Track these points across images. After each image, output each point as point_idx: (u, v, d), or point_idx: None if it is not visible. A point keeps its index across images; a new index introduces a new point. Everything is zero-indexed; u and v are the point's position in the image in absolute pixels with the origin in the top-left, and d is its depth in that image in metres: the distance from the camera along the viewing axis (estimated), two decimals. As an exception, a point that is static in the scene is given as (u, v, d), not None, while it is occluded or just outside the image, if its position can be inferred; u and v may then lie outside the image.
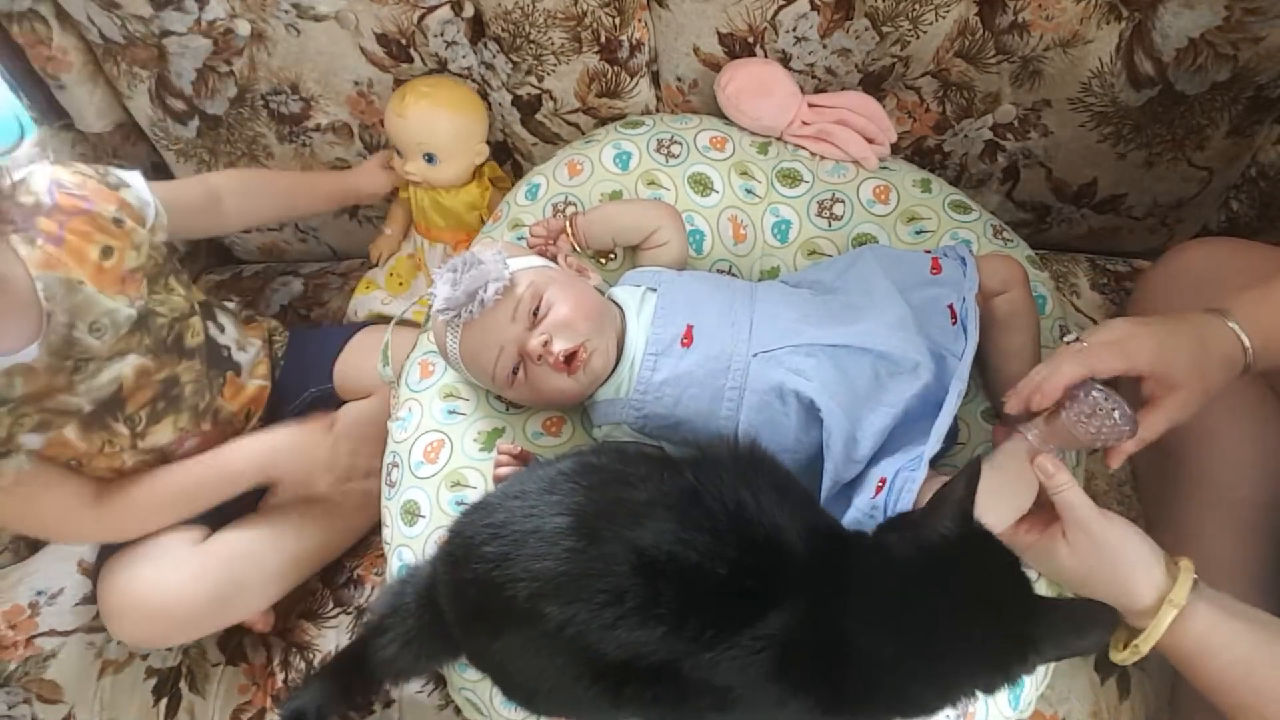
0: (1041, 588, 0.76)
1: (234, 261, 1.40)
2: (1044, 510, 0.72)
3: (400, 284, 1.22)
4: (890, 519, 0.65)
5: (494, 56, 1.08)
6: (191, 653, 0.96)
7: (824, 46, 1.03)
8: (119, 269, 0.86)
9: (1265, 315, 0.73)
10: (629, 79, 1.08)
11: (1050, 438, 0.72)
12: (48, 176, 0.84)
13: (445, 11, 1.05)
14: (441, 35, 1.07)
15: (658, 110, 1.12)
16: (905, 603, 0.59)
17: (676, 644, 0.59)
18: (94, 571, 0.96)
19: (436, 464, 0.84)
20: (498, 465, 0.80)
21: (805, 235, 0.99)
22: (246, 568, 0.91)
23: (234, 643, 0.97)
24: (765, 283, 0.92)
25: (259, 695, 0.95)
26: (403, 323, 1.06)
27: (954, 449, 0.85)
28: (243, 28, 1.08)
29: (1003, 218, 1.02)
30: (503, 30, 1.05)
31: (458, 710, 0.83)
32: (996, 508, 0.69)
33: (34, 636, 0.95)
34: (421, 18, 1.06)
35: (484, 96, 1.13)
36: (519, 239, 0.96)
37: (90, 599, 0.98)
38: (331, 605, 0.98)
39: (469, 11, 1.05)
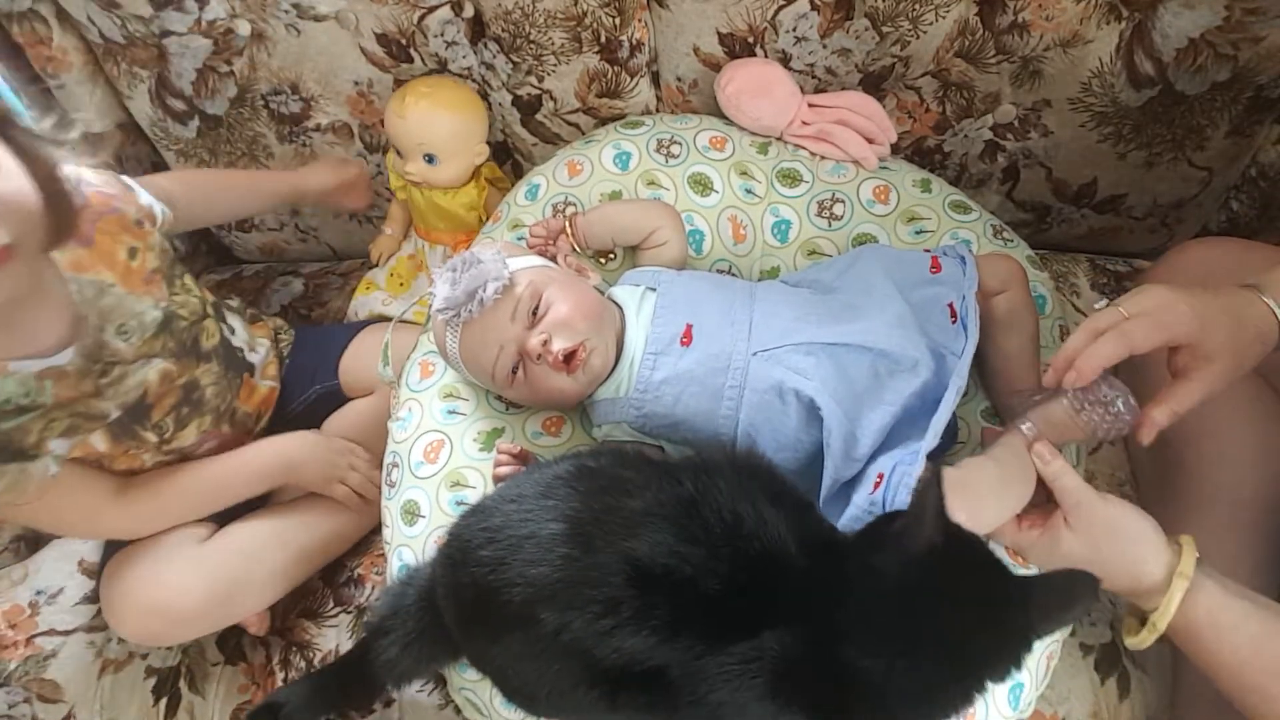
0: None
1: (234, 261, 1.40)
2: (1043, 506, 0.72)
3: (401, 284, 1.22)
4: (871, 530, 0.64)
5: (494, 56, 1.08)
6: (191, 652, 0.96)
7: (824, 46, 1.03)
8: (143, 270, 0.87)
9: None
10: (629, 79, 1.08)
11: (1048, 431, 0.71)
12: (74, 175, 0.83)
13: (445, 11, 1.05)
14: (441, 35, 1.07)
15: (658, 110, 1.12)
16: (904, 617, 0.58)
17: (669, 654, 0.59)
18: (98, 569, 0.96)
19: (436, 464, 0.84)
20: (497, 465, 0.80)
21: (805, 235, 0.99)
22: (251, 566, 0.91)
23: (233, 642, 0.97)
24: (765, 282, 0.92)
25: (259, 694, 0.95)
26: (403, 323, 1.07)
27: (954, 447, 0.85)
28: (243, 28, 1.08)
29: (1003, 218, 1.02)
30: (503, 30, 1.05)
31: (458, 710, 0.83)
32: (998, 502, 0.69)
33: (34, 636, 0.95)
34: (421, 18, 1.06)
35: (484, 97, 1.13)
36: (519, 239, 0.96)
37: (90, 598, 0.98)
38: (332, 604, 0.98)
39: (469, 11, 1.05)
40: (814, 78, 1.06)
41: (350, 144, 1.21)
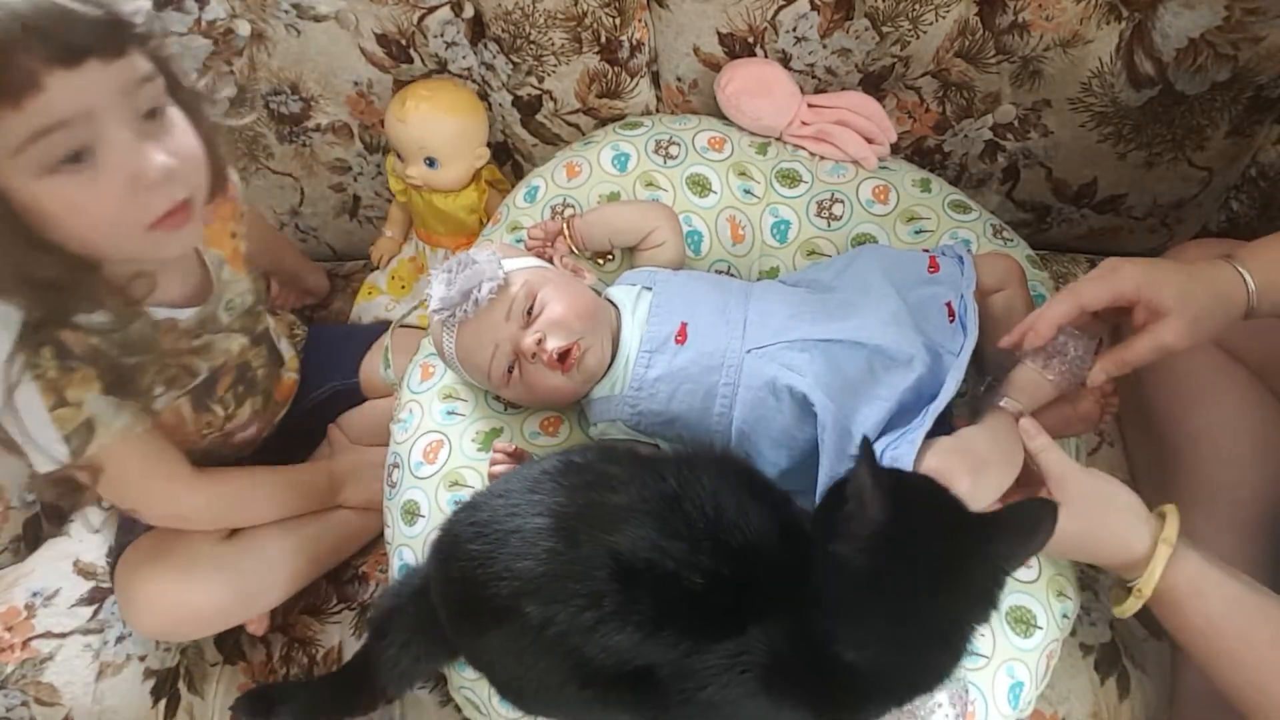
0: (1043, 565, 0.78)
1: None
2: (1029, 487, 0.73)
3: (402, 287, 1.22)
4: (824, 516, 0.64)
5: (494, 57, 1.08)
6: (189, 652, 0.96)
7: (824, 46, 1.03)
8: (242, 251, 0.90)
9: (1272, 258, 0.73)
10: (629, 79, 1.08)
11: (1025, 398, 0.74)
12: None
13: (445, 12, 1.05)
14: (441, 36, 1.07)
15: (658, 110, 1.12)
16: (876, 598, 0.59)
17: (654, 651, 0.59)
18: (109, 566, 0.96)
19: (435, 464, 0.84)
20: (493, 464, 0.80)
21: (804, 235, 0.99)
22: (270, 566, 0.91)
23: (231, 641, 0.97)
24: (761, 282, 0.92)
25: (258, 694, 0.95)
26: (405, 326, 1.07)
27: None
28: (243, 28, 1.08)
29: (1003, 218, 1.02)
30: (503, 31, 1.05)
31: (457, 709, 0.83)
32: (998, 466, 0.70)
33: (30, 639, 0.95)
34: (421, 18, 1.06)
35: (484, 97, 1.13)
36: (518, 241, 0.96)
37: (87, 600, 0.98)
38: (335, 601, 0.98)
39: (469, 12, 1.05)
40: (814, 78, 1.06)
41: (350, 144, 1.21)
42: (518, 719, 0.75)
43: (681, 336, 0.81)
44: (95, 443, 0.75)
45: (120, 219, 0.66)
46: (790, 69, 1.05)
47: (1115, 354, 0.72)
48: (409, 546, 0.82)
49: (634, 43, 1.05)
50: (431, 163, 1.10)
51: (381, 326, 1.14)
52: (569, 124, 1.13)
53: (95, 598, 0.97)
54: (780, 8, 1.00)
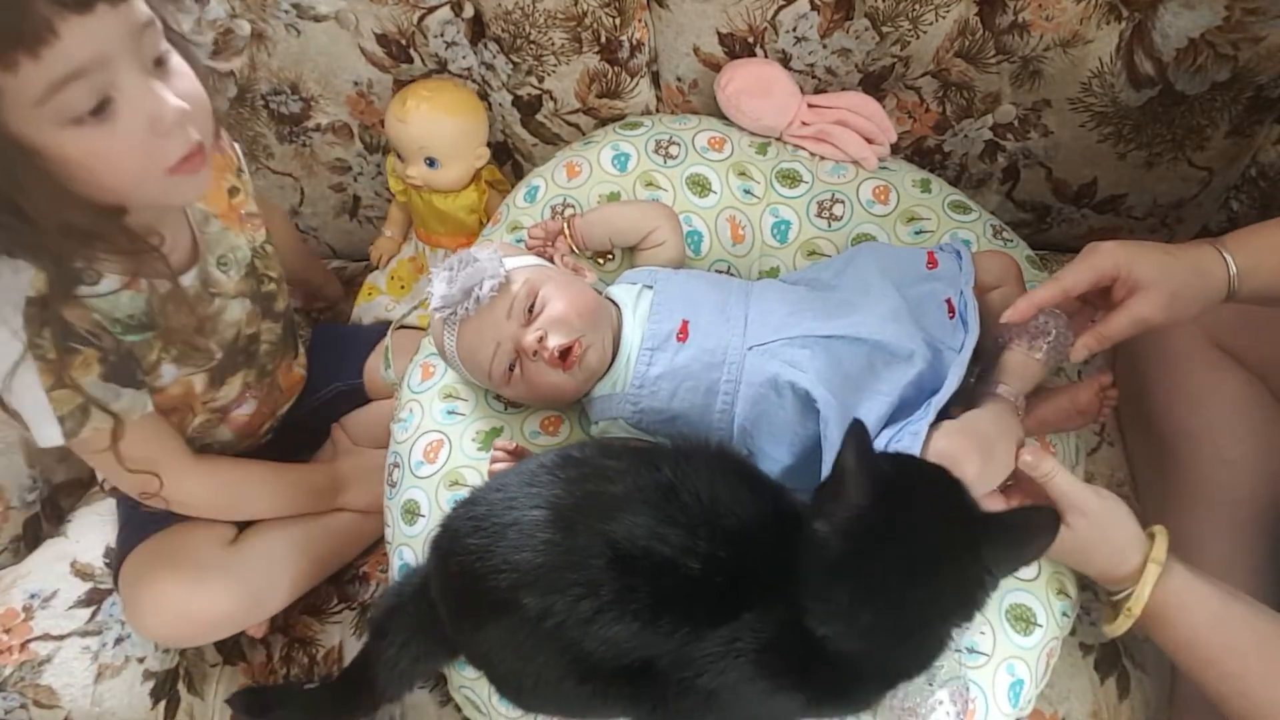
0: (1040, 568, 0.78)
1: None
2: (1028, 485, 0.74)
3: (402, 287, 1.22)
4: (819, 504, 0.64)
5: (494, 57, 1.08)
6: (189, 653, 0.96)
7: (824, 46, 1.03)
8: (241, 209, 0.89)
9: (1256, 243, 0.74)
10: (629, 79, 1.08)
11: (1014, 379, 0.76)
12: None
13: (445, 12, 1.05)
14: (441, 36, 1.07)
15: (658, 110, 1.12)
16: (849, 577, 0.59)
17: (653, 640, 0.59)
18: (111, 564, 0.96)
19: (436, 464, 0.84)
20: (493, 462, 0.80)
21: (805, 236, 0.99)
22: (276, 572, 0.91)
23: (231, 642, 0.96)
24: (761, 281, 0.92)
25: (258, 694, 0.95)
26: (405, 327, 1.07)
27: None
28: (243, 28, 1.08)
29: (1003, 218, 1.02)
30: (503, 31, 1.05)
31: (457, 708, 0.83)
32: (1004, 446, 0.71)
33: (28, 641, 0.95)
34: (421, 18, 1.06)
35: (484, 97, 1.13)
36: (518, 241, 0.96)
37: (85, 601, 0.98)
38: (335, 601, 0.98)
39: (469, 12, 1.05)
40: (814, 78, 1.06)
41: (350, 144, 1.21)
42: (518, 718, 0.75)
43: (683, 334, 0.81)
44: (89, 426, 0.76)
45: (142, 164, 0.67)
46: (790, 69, 1.05)
47: (1095, 329, 0.73)
48: (409, 546, 0.82)
49: (634, 43, 1.05)
50: (431, 163, 1.10)
51: (385, 327, 1.14)
52: (569, 124, 1.13)
53: (94, 599, 0.97)
54: (780, 8, 1.00)
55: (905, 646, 0.61)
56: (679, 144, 1.01)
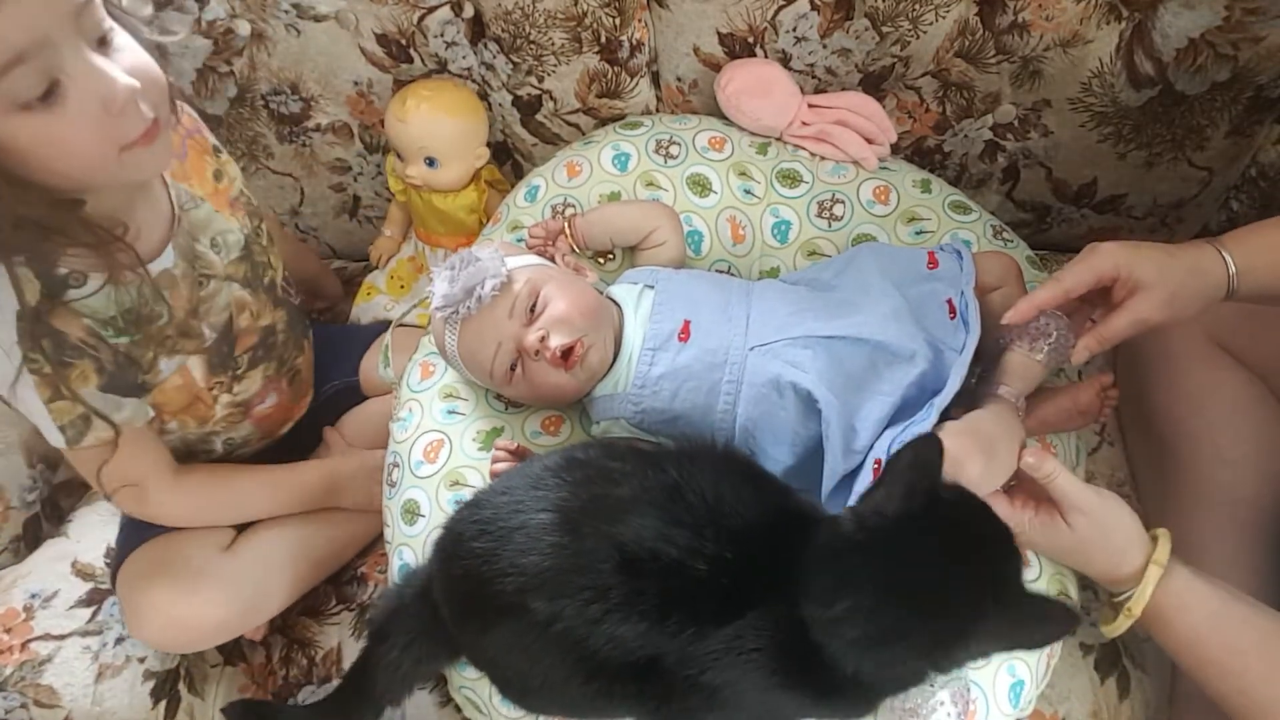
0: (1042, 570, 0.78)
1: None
2: (1031, 486, 0.74)
3: (401, 287, 1.22)
4: (860, 505, 0.63)
5: (494, 57, 1.08)
6: (189, 654, 0.96)
7: (824, 46, 1.03)
8: (229, 192, 0.89)
9: (1255, 242, 0.74)
10: (629, 79, 1.08)
11: (1015, 380, 0.76)
12: None
13: (445, 12, 1.05)
14: (441, 36, 1.07)
15: (658, 110, 1.12)
16: (860, 602, 0.58)
17: (660, 639, 0.59)
18: (111, 566, 0.96)
19: (436, 463, 0.84)
20: (494, 461, 0.80)
21: (805, 236, 0.99)
22: (273, 576, 0.91)
23: (231, 643, 0.96)
24: (762, 281, 0.92)
25: (259, 694, 0.95)
26: (404, 326, 1.07)
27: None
28: (243, 28, 1.08)
29: (1003, 218, 1.02)
30: (503, 31, 1.05)
31: (458, 708, 0.83)
32: (1006, 448, 0.71)
33: (29, 641, 0.95)
34: (421, 18, 1.06)
35: (484, 97, 1.13)
36: (518, 241, 0.96)
37: (85, 601, 0.98)
38: (334, 602, 0.98)
39: (469, 12, 1.05)
40: (814, 78, 1.06)
41: (350, 144, 1.21)
42: (519, 718, 0.75)
43: (684, 334, 0.81)
44: (92, 435, 0.76)
45: (97, 146, 0.65)
46: (790, 69, 1.05)
47: (1095, 330, 0.74)
48: (409, 546, 0.82)
49: (634, 43, 1.05)
50: (431, 163, 1.10)
51: (382, 326, 1.14)
52: (569, 124, 1.13)
53: (94, 599, 0.97)
54: (780, 8, 1.00)
55: (884, 671, 0.60)
56: (679, 144, 1.01)
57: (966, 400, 0.78)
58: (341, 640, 0.95)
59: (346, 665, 0.93)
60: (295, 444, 1.05)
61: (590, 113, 1.11)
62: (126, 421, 0.78)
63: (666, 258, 0.93)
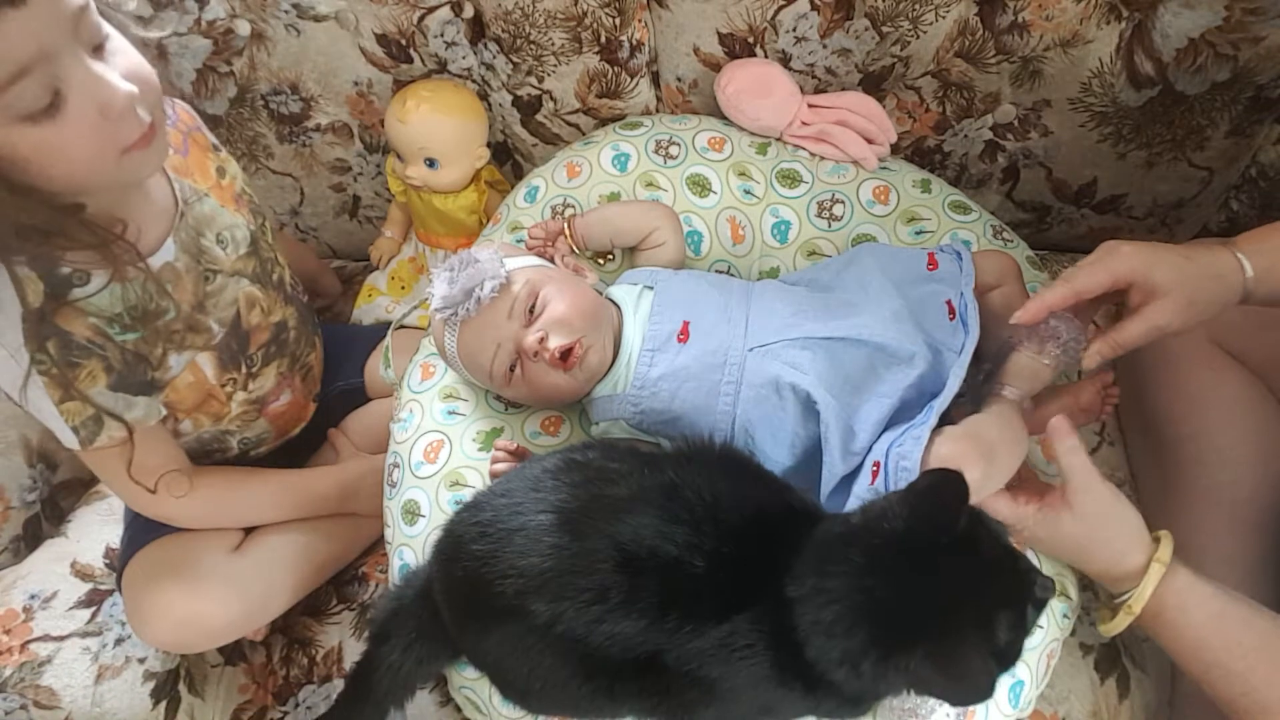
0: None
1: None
2: (1035, 482, 0.74)
3: (402, 288, 1.22)
4: (875, 510, 0.62)
5: (494, 57, 1.08)
6: (190, 655, 0.96)
7: (824, 46, 1.03)
8: (233, 188, 0.89)
9: (1274, 243, 0.73)
10: (629, 79, 1.08)
11: (1024, 383, 0.74)
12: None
13: (445, 12, 1.05)
14: (441, 36, 1.07)
15: (658, 110, 1.12)
16: (838, 576, 0.58)
17: (659, 636, 0.60)
18: (113, 567, 0.96)
19: (436, 464, 0.84)
20: (494, 462, 0.81)
21: (805, 236, 0.99)
22: (279, 578, 0.91)
23: (231, 643, 0.96)
24: (762, 281, 0.92)
25: (260, 693, 0.95)
26: (405, 327, 1.07)
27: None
28: (243, 28, 1.08)
29: (1003, 218, 1.02)
30: (503, 31, 1.05)
31: (458, 708, 0.83)
32: (1007, 452, 0.71)
33: (28, 642, 0.95)
34: (421, 18, 1.06)
35: (484, 97, 1.13)
36: (518, 241, 0.96)
37: (85, 602, 0.98)
38: (335, 602, 0.98)
39: (469, 12, 1.05)
40: (814, 78, 1.06)
41: (350, 144, 1.21)
42: (519, 718, 0.75)
43: (684, 335, 0.81)
44: (104, 434, 0.76)
45: (96, 152, 0.66)
46: (790, 69, 1.04)
47: (1110, 336, 0.72)
48: (409, 546, 0.82)
49: (634, 43, 1.04)
50: (431, 163, 1.10)
51: (385, 327, 1.14)
52: (569, 124, 1.13)
53: (94, 600, 0.97)
54: (780, 8, 1.00)
55: (853, 681, 0.59)
56: (679, 144, 1.01)
57: (972, 397, 0.77)
58: (342, 640, 0.95)
59: (347, 665, 0.93)
60: (302, 445, 1.05)
61: (590, 113, 1.11)
62: (139, 420, 0.78)
63: (666, 258, 0.93)
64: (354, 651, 0.94)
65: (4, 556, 1.03)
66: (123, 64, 0.67)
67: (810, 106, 1.02)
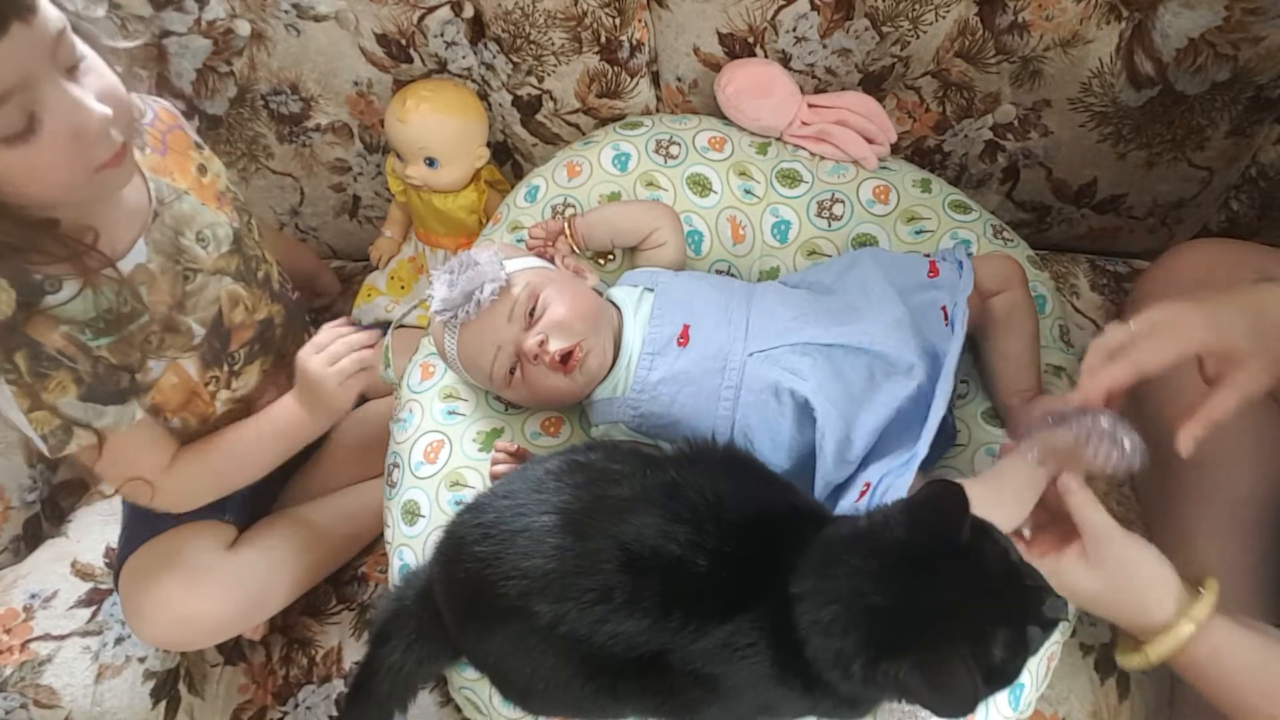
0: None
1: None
2: (1057, 527, 0.71)
3: (402, 287, 1.22)
4: (882, 516, 0.62)
5: (494, 57, 1.08)
6: (189, 654, 0.96)
7: (824, 46, 1.03)
8: (215, 186, 0.89)
9: None
10: (629, 79, 1.08)
11: (1050, 459, 0.68)
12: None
13: (445, 12, 1.05)
14: (441, 35, 1.07)
15: (658, 110, 1.12)
16: (838, 577, 0.58)
17: (662, 635, 0.60)
18: (112, 565, 0.96)
19: (436, 464, 0.84)
20: (494, 463, 0.81)
21: (805, 236, 0.99)
22: (275, 575, 0.91)
23: (232, 643, 0.97)
24: (763, 283, 0.92)
25: (260, 693, 0.95)
26: (405, 326, 1.06)
27: (952, 450, 0.85)
28: (243, 28, 1.08)
29: (1003, 218, 1.02)
30: (503, 30, 1.05)
31: (458, 709, 0.83)
32: (991, 512, 0.67)
33: (29, 641, 0.95)
34: (421, 18, 1.06)
35: (484, 97, 1.13)
36: (518, 241, 0.96)
37: (85, 602, 0.98)
38: (334, 602, 0.98)
39: (469, 12, 1.05)
40: (814, 78, 1.06)
41: (350, 144, 1.21)
42: (519, 719, 0.75)
43: (684, 339, 0.81)
44: (73, 443, 0.76)
45: (68, 172, 0.66)
46: (790, 69, 1.04)
47: (1203, 415, 0.66)
48: (409, 547, 0.82)
49: (634, 43, 1.04)
50: (431, 163, 1.10)
51: (384, 327, 1.14)
52: (569, 124, 1.13)
53: (94, 599, 0.97)
54: (780, 8, 1.00)
55: (844, 683, 0.59)
56: (679, 144, 1.01)
57: (1002, 415, 0.74)
58: (342, 640, 0.95)
59: (347, 665, 0.93)
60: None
61: (590, 113, 1.11)
62: (110, 428, 0.78)
63: (667, 258, 0.93)
64: (354, 651, 0.94)
65: (4, 556, 1.03)
66: (96, 84, 0.67)
67: (810, 106, 1.02)
